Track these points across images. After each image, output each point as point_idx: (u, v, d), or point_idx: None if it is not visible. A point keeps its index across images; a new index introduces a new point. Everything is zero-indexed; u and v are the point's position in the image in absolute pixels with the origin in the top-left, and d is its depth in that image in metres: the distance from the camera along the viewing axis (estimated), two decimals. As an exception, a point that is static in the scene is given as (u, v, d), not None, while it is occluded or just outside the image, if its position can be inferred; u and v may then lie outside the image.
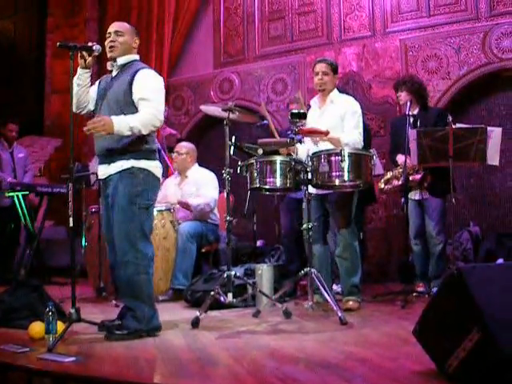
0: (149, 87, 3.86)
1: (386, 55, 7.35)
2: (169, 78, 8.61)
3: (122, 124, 3.70)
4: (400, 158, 5.32)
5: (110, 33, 3.99)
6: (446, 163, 4.93)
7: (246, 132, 7.76)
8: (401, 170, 5.30)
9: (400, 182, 5.35)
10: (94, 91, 4.07)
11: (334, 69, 5.00)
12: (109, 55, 3.98)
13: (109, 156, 3.90)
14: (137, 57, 4.07)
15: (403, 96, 5.43)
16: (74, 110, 3.98)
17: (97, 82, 4.12)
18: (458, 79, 6.99)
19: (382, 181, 5.52)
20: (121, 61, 3.98)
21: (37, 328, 3.68)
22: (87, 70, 3.96)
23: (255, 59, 8.35)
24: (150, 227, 3.97)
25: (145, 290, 3.83)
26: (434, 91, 6.94)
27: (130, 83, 3.85)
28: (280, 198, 6.37)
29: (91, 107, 4.08)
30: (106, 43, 3.97)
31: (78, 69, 3.94)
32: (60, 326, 3.58)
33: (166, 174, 6.68)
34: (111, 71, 4.03)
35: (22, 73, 10.66)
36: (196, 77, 8.80)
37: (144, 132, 3.77)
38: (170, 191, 6.24)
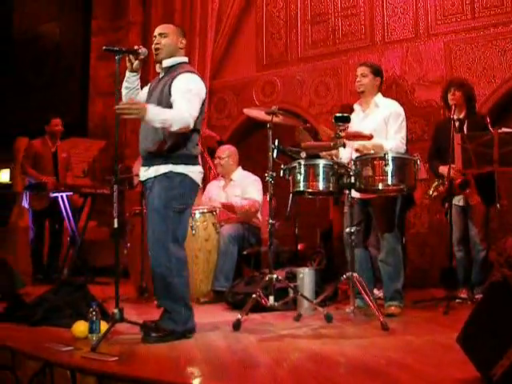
0: (182, 90, 3.82)
1: (429, 58, 7.27)
2: (211, 81, 8.65)
3: (155, 113, 3.66)
4: (443, 170, 5.24)
5: (155, 36, 4.01)
6: (490, 168, 4.86)
7: (287, 135, 7.75)
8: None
9: (445, 187, 5.29)
10: (144, 93, 4.10)
11: (375, 71, 4.98)
12: (155, 58, 4.02)
13: (149, 159, 3.92)
14: (184, 59, 4.07)
15: (458, 96, 5.34)
16: None
17: (148, 84, 4.14)
18: (503, 83, 6.86)
19: (432, 188, 5.46)
20: (166, 63, 4.00)
21: (81, 327, 3.73)
22: (135, 73, 4.00)
23: (297, 62, 8.34)
24: (183, 233, 3.95)
25: (180, 293, 3.83)
26: (478, 95, 6.82)
27: (170, 86, 3.87)
28: (336, 200, 6.34)
29: None
30: (152, 46, 4.00)
31: (126, 72, 3.98)
32: (103, 326, 3.63)
33: (208, 176, 6.71)
34: (160, 73, 4.06)
35: (66, 75, 10.81)
36: (238, 80, 8.81)
37: (174, 128, 3.69)
38: (214, 194, 6.27)
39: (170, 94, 3.85)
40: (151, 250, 3.85)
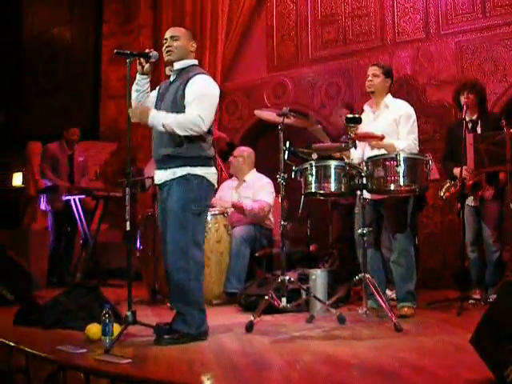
0: (197, 93, 3.85)
1: (440, 58, 7.24)
2: (222, 82, 8.65)
3: (157, 118, 3.78)
4: (456, 171, 5.22)
5: (166, 38, 4.01)
6: (502, 168, 4.84)
7: (299, 136, 7.74)
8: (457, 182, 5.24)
9: (457, 189, 5.28)
10: (153, 96, 4.11)
11: (386, 72, 4.96)
12: (166, 60, 4.02)
13: (165, 162, 3.92)
14: (195, 61, 4.08)
15: (472, 98, 5.31)
16: None
17: (157, 88, 4.16)
18: (515, 82, 6.84)
19: (443, 189, 5.45)
20: (178, 65, 4.00)
21: (94, 329, 3.75)
22: (145, 76, 4.01)
23: (308, 63, 8.33)
24: (202, 235, 3.98)
25: (195, 296, 3.83)
26: (490, 94, 6.79)
27: (184, 88, 3.88)
28: (332, 203, 6.35)
29: None
30: (163, 49, 4.01)
31: (137, 75, 3.99)
32: (116, 328, 3.64)
33: (220, 178, 6.72)
34: (170, 76, 4.07)
35: (77, 79, 10.84)
36: (249, 81, 8.81)
37: (179, 133, 3.77)
38: (226, 194, 6.27)
39: (183, 96, 3.87)
40: (170, 253, 3.83)
